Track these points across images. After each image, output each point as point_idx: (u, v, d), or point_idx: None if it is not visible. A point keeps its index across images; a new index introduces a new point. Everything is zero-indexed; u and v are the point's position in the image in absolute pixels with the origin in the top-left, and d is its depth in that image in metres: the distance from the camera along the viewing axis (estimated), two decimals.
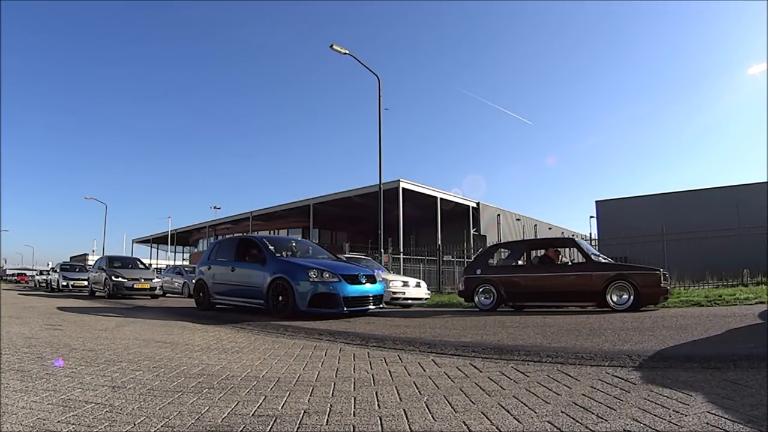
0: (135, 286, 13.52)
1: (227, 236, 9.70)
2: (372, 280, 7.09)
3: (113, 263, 14.84)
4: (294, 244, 8.37)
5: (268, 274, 6.96)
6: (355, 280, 6.79)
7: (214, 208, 39.47)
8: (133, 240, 50.96)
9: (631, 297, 6.78)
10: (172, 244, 45.06)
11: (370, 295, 6.95)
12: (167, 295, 16.09)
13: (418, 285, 10.16)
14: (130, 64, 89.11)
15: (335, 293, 6.47)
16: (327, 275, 6.55)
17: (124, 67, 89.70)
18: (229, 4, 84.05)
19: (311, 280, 6.48)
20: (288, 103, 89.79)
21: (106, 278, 13.69)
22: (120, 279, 13.50)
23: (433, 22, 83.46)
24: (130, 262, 15.68)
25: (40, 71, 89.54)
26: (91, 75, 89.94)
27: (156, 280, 14.31)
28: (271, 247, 7.59)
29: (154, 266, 28.28)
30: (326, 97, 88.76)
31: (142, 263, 16.06)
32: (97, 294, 14.64)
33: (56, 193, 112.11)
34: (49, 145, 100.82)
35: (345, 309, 6.50)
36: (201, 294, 8.57)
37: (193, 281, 9.02)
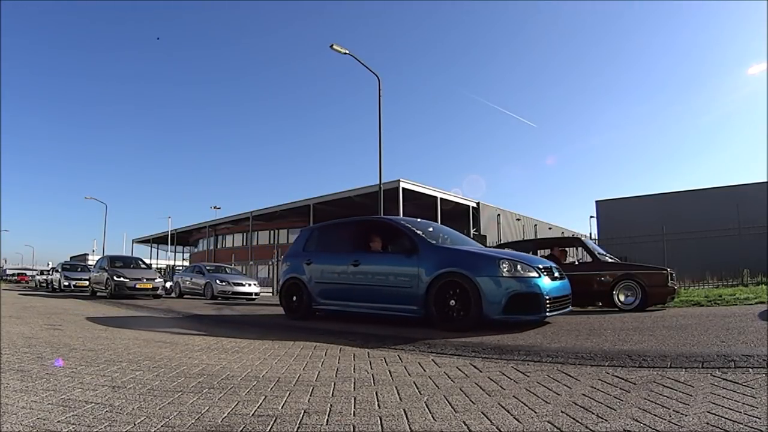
0: (137, 286, 13.35)
1: (334, 220, 7.54)
2: (562, 274, 5.46)
3: (115, 263, 14.69)
4: (432, 229, 6.16)
5: (426, 268, 5.08)
6: (550, 273, 5.10)
7: (214, 208, 39.53)
8: (133, 240, 51.03)
9: (639, 297, 6.82)
10: (172, 244, 45.06)
11: (567, 294, 5.32)
12: (185, 296, 15.50)
13: None
14: (129, 66, 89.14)
15: (538, 293, 4.73)
16: (521, 268, 4.80)
17: (124, 68, 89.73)
18: (230, 7, 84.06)
19: (504, 275, 4.69)
20: (288, 103, 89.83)
21: (107, 278, 13.58)
22: (122, 279, 13.33)
23: (433, 22, 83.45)
24: (131, 262, 15.55)
25: (42, 71, 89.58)
26: (92, 76, 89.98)
27: (158, 280, 14.10)
28: (420, 232, 5.62)
29: (154, 266, 28.23)
30: (326, 98, 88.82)
31: (144, 263, 15.93)
32: (98, 294, 14.55)
33: (56, 193, 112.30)
34: (49, 144, 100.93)
35: (548, 313, 4.80)
36: (295, 298, 6.64)
37: (281, 280, 7.19)
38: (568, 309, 5.28)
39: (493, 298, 4.63)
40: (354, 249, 6.04)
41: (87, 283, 17.15)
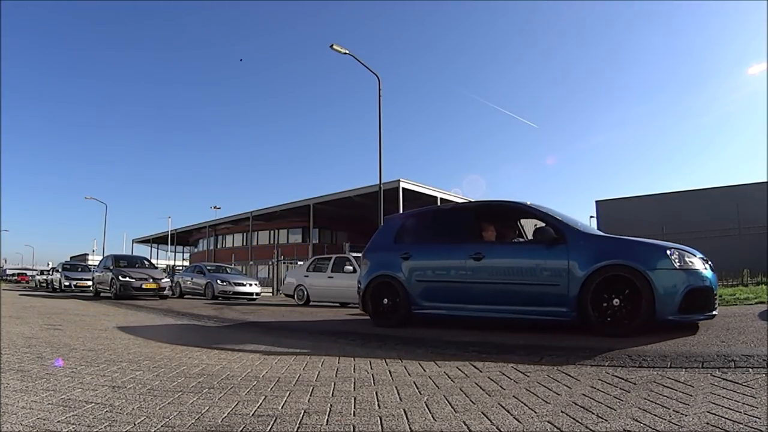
0: (143, 287, 12.92)
1: (436, 206, 6.05)
2: (711, 265, 4.56)
3: (119, 262, 14.31)
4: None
5: (579, 262, 4.22)
6: (706, 264, 4.29)
7: (214, 208, 39.63)
8: (133, 240, 51.00)
9: None
10: (172, 244, 45.08)
11: (716, 288, 4.48)
12: (186, 296, 15.36)
13: None
14: (130, 66, 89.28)
15: (710, 287, 4.07)
16: (688, 258, 4.10)
17: (124, 68, 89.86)
18: (230, 7, 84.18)
19: (676, 267, 3.97)
20: (288, 103, 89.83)
21: (112, 278, 13.12)
22: (127, 279, 12.88)
23: (433, 22, 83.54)
24: (137, 261, 15.15)
25: (42, 70, 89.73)
26: (92, 76, 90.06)
27: (165, 280, 13.68)
28: (560, 218, 4.72)
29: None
30: (326, 98, 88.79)
31: (149, 262, 15.62)
32: (102, 295, 14.12)
33: (56, 193, 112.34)
34: (49, 144, 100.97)
35: (715, 312, 4.12)
36: (387, 301, 5.46)
37: (363, 280, 5.78)
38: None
39: (667, 295, 3.91)
40: (473, 239, 5.04)
41: (88, 283, 16.96)
